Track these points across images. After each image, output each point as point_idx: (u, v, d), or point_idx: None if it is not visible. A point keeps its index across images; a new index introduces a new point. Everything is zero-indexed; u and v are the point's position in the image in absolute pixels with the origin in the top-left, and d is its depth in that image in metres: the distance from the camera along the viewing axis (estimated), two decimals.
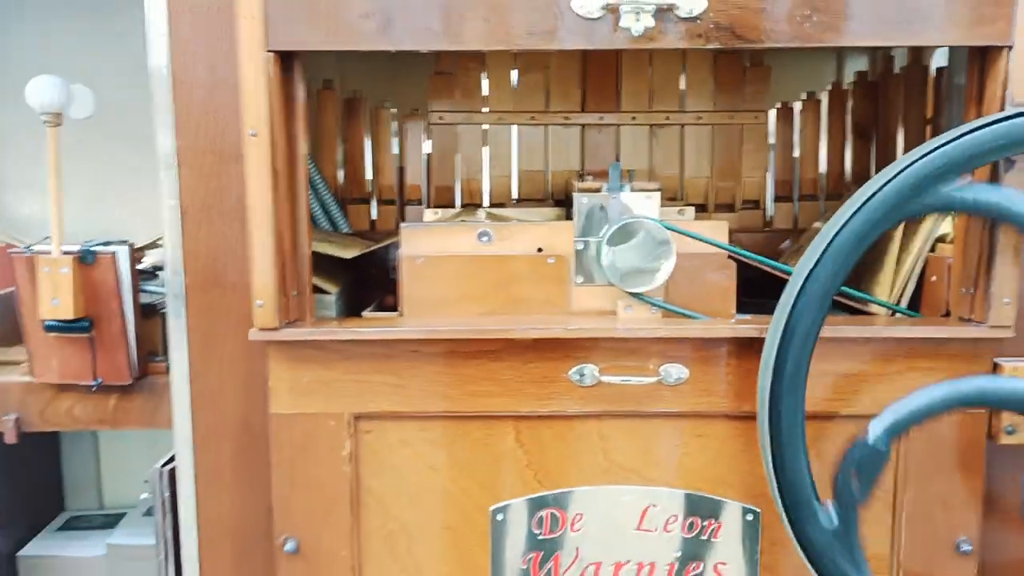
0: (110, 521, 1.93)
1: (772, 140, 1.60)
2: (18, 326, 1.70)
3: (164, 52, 1.15)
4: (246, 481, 1.24)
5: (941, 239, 1.27)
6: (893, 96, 1.58)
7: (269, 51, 1.08)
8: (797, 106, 1.60)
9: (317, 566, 1.21)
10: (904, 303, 1.27)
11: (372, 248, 1.47)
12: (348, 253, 1.41)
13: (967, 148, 1.05)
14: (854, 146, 1.61)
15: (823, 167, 1.60)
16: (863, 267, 1.32)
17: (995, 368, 1.15)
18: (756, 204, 1.62)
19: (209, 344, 1.22)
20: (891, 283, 1.28)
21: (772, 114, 1.60)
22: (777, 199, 1.62)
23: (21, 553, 1.79)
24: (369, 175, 1.66)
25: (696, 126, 1.59)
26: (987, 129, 1.04)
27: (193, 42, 1.16)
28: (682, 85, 1.59)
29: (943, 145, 1.04)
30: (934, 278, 1.26)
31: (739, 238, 1.53)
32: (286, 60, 1.12)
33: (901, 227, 1.29)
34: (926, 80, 1.57)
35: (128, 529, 1.87)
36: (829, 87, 1.60)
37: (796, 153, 1.60)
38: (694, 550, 1.23)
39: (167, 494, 1.35)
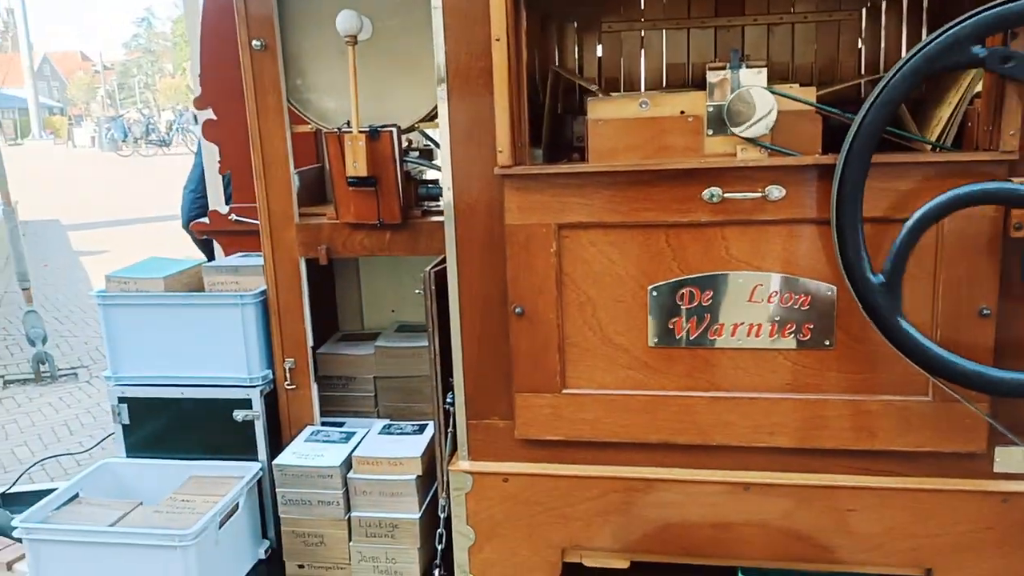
0: (372, 336, 2.69)
1: (863, 34, 2.07)
2: (320, 190, 2.46)
3: None
4: (489, 269, 1.91)
5: (977, 96, 1.74)
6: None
7: None
8: (883, 5, 2.07)
9: (534, 323, 1.88)
10: (949, 142, 1.76)
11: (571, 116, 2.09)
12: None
13: (984, 20, 1.53)
14: (928, 33, 2.06)
15: (903, 52, 2.06)
16: (920, 118, 1.82)
17: None
18: (851, 81, 2.11)
19: (467, 181, 1.88)
20: (938, 128, 1.78)
21: (863, 12, 2.08)
22: (866, 77, 2.10)
23: (320, 351, 2.58)
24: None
25: (803, 23, 2.10)
26: (1001, 7, 1.52)
27: None
28: None
29: (965, 19, 1.53)
30: (970, 124, 1.74)
31: (835, 103, 2.02)
32: None
33: (947, 88, 1.78)
34: None
35: (386, 339, 2.62)
36: None
37: (882, 43, 2.07)
38: (788, 315, 1.80)
39: (432, 286, 2.06)
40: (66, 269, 9.06)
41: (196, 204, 3.58)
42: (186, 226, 3.65)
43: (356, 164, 2.15)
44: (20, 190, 5.64)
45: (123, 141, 25.85)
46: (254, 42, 2.15)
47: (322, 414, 2.46)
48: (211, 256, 3.60)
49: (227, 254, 2.72)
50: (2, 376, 5.80)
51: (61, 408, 5.21)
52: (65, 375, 5.74)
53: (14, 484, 3.15)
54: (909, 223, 1.60)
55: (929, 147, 1.78)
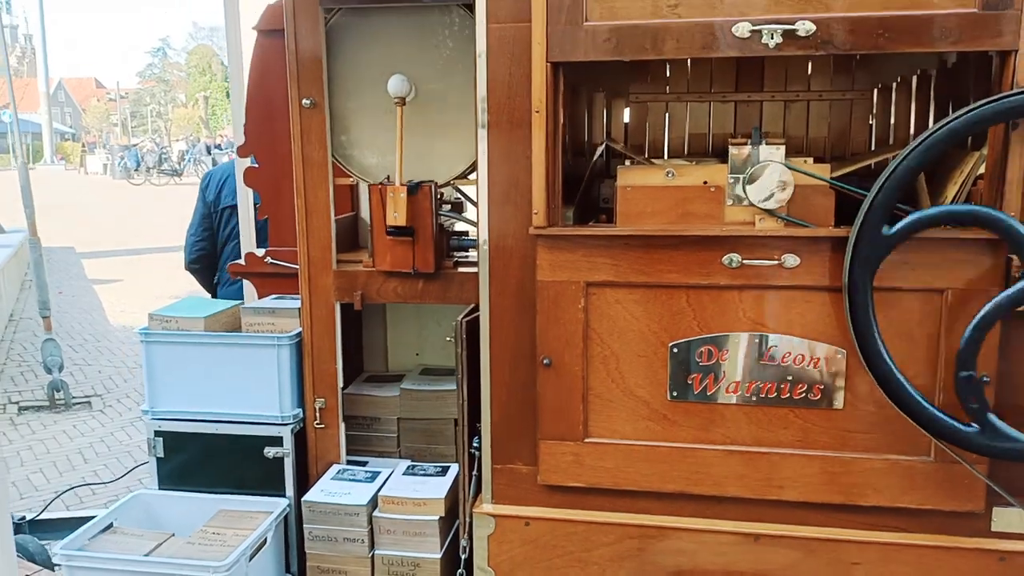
0: (396, 377, 2.80)
1: (874, 110, 2.22)
2: (352, 238, 2.59)
3: (483, 60, 1.94)
4: (519, 321, 2.03)
5: (980, 177, 1.87)
6: (955, 80, 2.16)
7: (548, 62, 1.85)
8: (893, 86, 2.22)
9: (561, 374, 1.99)
10: None
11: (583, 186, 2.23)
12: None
13: (986, 112, 1.67)
14: (935, 114, 2.20)
15: (912, 129, 2.21)
16: (931, 197, 1.95)
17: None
18: (862, 155, 2.25)
19: (502, 238, 2.02)
20: (952, 197, 1.91)
21: (875, 92, 2.23)
22: (876, 151, 2.24)
23: (347, 391, 2.69)
24: (585, 136, 2.42)
25: (818, 101, 2.24)
26: (1002, 101, 1.66)
27: (498, 55, 1.95)
28: (809, 71, 2.25)
29: (965, 113, 1.67)
30: (975, 202, 1.87)
31: (848, 179, 2.16)
32: (555, 67, 1.89)
33: (956, 168, 1.91)
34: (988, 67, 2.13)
35: (410, 381, 2.73)
36: (917, 73, 2.20)
37: (892, 119, 2.21)
38: (800, 376, 1.92)
39: (464, 335, 2.17)
40: (80, 297, 9.20)
41: (196, 247, 3.70)
42: (187, 267, 3.78)
43: (396, 215, 2.28)
44: (39, 217, 5.79)
45: (135, 170, 26.19)
46: (304, 100, 2.30)
47: (347, 452, 2.56)
48: (214, 294, 3.72)
49: (260, 296, 2.85)
50: (17, 402, 5.91)
51: (75, 436, 5.31)
52: (79, 403, 5.85)
53: (42, 512, 3.23)
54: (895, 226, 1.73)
55: None
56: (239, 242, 3.41)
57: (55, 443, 5.21)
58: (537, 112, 1.88)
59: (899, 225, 1.74)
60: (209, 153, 26.43)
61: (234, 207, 3.51)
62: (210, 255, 3.67)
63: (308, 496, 2.33)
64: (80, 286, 9.83)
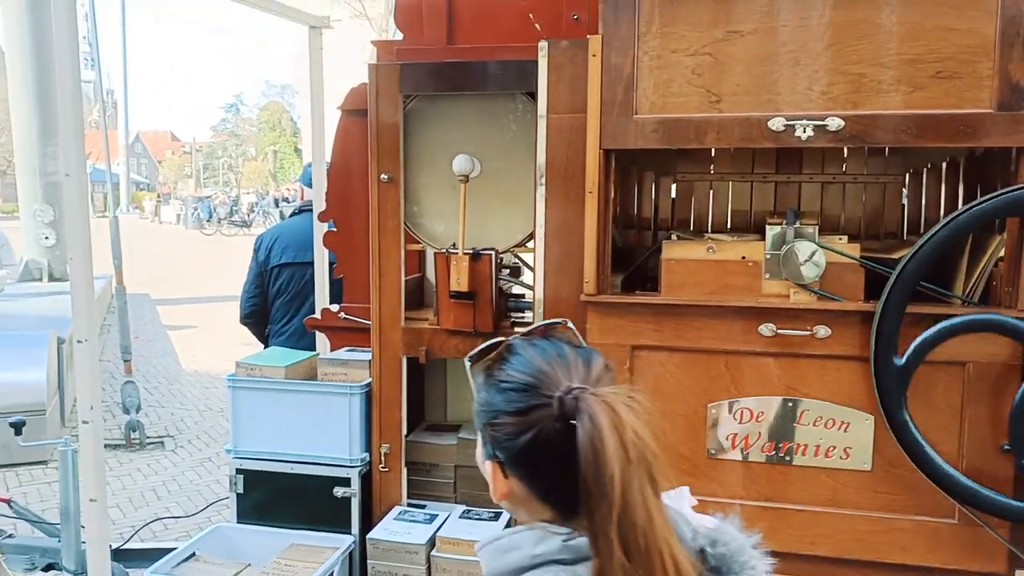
0: (455, 427, 3.00)
1: (906, 192, 2.39)
2: (418, 297, 2.83)
3: (543, 146, 2.18)
4: None
5: (1001, 259, 2.02)
6: (983, 166, 2.32)
7: (601, 148, 2.08)
8: (924, 171, 2.39)
9: None
10: (976, 298, 2.04)
11: (646, 256, 2.44)
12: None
13: (1006, 202, 1.84)
14: (964, 197, 2.36)
15: (942, 211, 2.36)
16: (951, 275, 2.10)
17: None
18: (895, 235, 2.42)
19: (556, 304, 2.23)
20: (966, 286, 2.06)
21: (907, 177, 2.40)
22: (909, 232, 2.40)
23: (409, 438, 2.90)
24: (634, 211, 2.64)
25: (853, 183, 2.42)
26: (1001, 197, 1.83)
27: (556, 141, 2.19)
28: (845, 155, 2.44)
29: (988, 199, 1.84)
30: (995, 283, 2.02)
31: (883, 258, 2.32)
32: (607, 153, 2.12)
33: (977, 249, 2.07)
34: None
35: (468, 431, 2.93)
36: (947, 160, 2.37)
37: (923, 200, 2.38)
38: (831, 439, 2.06)
39: None
40: (155, 342, 9.67)
41: (250, 303, 3.98)
42: (242, 321, 4.06)
43: (459, 280, 2.51)
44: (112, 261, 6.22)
45: (207, 220, 27.29)
46: (382, 175, 2.57)
47: (408, 495, 2.76)
48: (266, 344, 3.99)
49: (333, 347, 3.10)
50: None
51: (149, 474, 5.61)
52: (153, 443, 6.17)
53: (126, 542, 3.49)
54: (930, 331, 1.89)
55: (959, 301, 2.06)
56: (287, 298, 3.73)
57: (131, 479, 5.52)
58: (590, 192, 2.11)
59: (907, 355, 1.91)
60: (277, 206, 27.48)
61: (282, 266, 3.82)
62: (261, 310, 3.95)
63: (372, 534, 2.54)
64: (155, 331, 10.32)
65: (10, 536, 3.37)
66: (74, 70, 2.21)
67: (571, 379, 1.02)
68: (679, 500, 1.19)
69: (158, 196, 41.12)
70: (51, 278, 10.10)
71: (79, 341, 2.33)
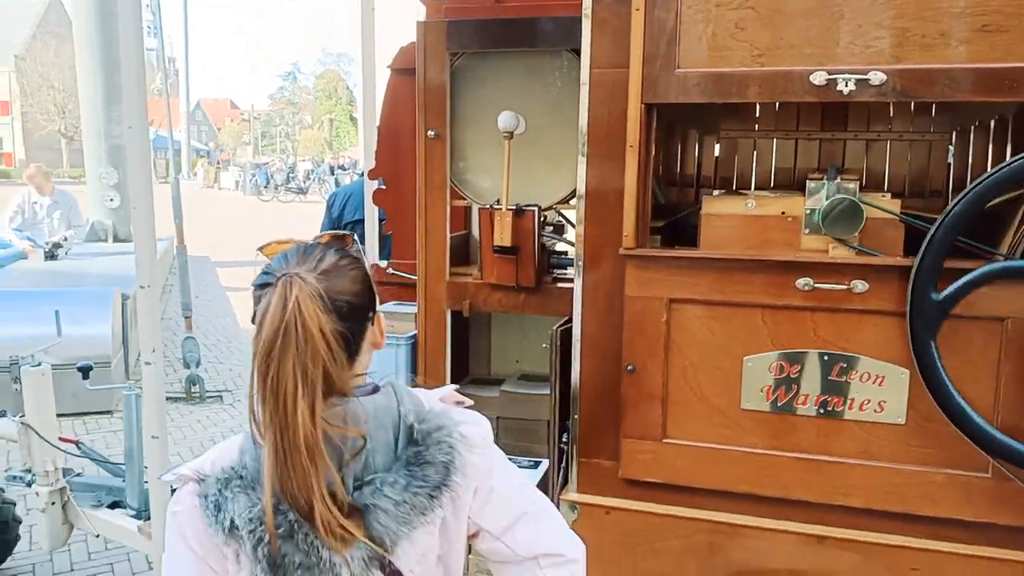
0: (498, 381, 3.09)
1: (952, 151, 2.37)
2: (463, 253, 2.90)
3: (585, 102, 2.22)
4: (608, 332, 2.27)
5: None
6: None
7: (643, 103, 2.11)
8: (972, 129, 2.36)
9: (643, 380, 2.22)
10: (1018, 254, 2.03)
11: (685, 212, 2.47)
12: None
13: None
14: (1012, 154, 2.32)
15: (989, 169, 2.33)
16: (1001, 236, 2.09)
17: None
18: (940, 192, 2.40)
19: (596, 258, 2.27)
20: (1013, 243, 2.04)
21: (953, 135, 2.37)
22: (955, 191, 2.38)
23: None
24: (677, 168, 2.66)
25: (898, 141, 2.41)
26: None
27: (598, 96, 2.22)
28: (891, 113, 2.42)
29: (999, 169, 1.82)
30: None
31: (926, 215, 2.31)
32: (648, 107, 2.14)
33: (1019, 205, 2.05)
34: None
35: (510, 385, 3.01)
36: (995, 117, 2.34)
37: (969, 160, 2.35)
38: (866, 392, 2.08)
39: (558, 343, 2.44)
40: (215, 302, 9.99)
41: None
42: None
43: (503, 235, 2.58)
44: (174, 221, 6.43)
45: (265, 187, 27.81)
46: (429, 132, 2.63)
47: None
48: None
49: (382, 302, 3.19)
50: None
51: (208, 426, 5.85)
52: (212, 397, 6.42)
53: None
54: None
55: (1001, 257, 2.04)
56: None
57: (191, 431, 5.76)
58: (631, 147, 2.14)
59: (946, 293, 1.91)
60: (332, 173, 27.85)
61: (355, 222, 3.93)
62: None
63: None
64: (215, 293, 10.65)
65: (78, 475, 3.58)
66: (137, 28, 2.32)
67: (298, 268, 1.23)
68: (437, 392, 1.42)
69: (218, 163, 41.94)
70: (115, 239, 10.47)
71: (142, 287, 2.46)
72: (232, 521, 1.20)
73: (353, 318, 1.26)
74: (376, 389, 1.32)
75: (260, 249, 1.36)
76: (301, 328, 1.17)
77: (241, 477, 1.23)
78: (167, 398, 6.36)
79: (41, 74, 44.45)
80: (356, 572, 1.21)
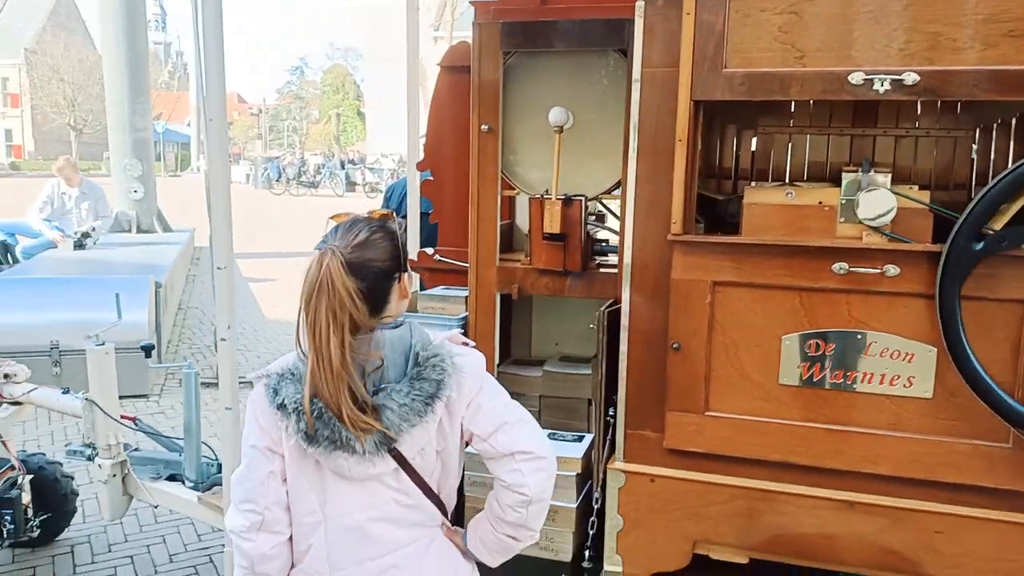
0: (539, 362, 3.26)
1: (975, 147, 2.53)
2: (508, 241, 3.07)
3: (636, 100, 2.39)
4: (654, 312, 2.45)
5: None
6: None
7: (692, 100, 2.29)
8: (994, 127, 2.53)
9: (687, 357, 2.40)
10: None
11: (727, 198, 2.64)
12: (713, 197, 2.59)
13: None
14: None
15: (1010, 163, 2.50)
16: None
17: None
18: (964, 186, 2.57)
19: (644, 243, 2.45)
20: None
21: (977, 132, 2.54)
22: (977, 183, 2.55)
23: (500, 369, 3.17)
24: (716, 162, 2.83)
25: (925, 137, 2.58)
26: None
27: (649, 93, 2.40)
28: (918, 111, 2.59)
29: None
30: None
31: (950, 207, 2.48)
32: (697, 104, 2.32)
33: None
34: None
35: (551, 365, 3.19)
36: (1016, 115, 2.50)
37: (992, 156, 2.52)
38: (895, 368, 2.25)
39: (605, 323, 2.61)
40: (237, 292, 10.17)
41: None
42: None
43: (552, 223, 2.75)
44: (190, 218, 6.61)
45: (276, 181, 28.00)
46: (483, 126, 2.81)
47: None
48: None
49: (428, 287, 3.38)
50: None
51: (240, 411, 6.04)
52: (243, 384, 6.59)
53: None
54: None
55: None
56: None
57: (223, 414, 5.94)
58: (680, 141, 2.32)
59: (986, 240, 2.07)
60: (343, 168, 28.02)
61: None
62: None
63: (468, 448, 2.81)
64: (236, 283, 10.83)
65: (136, 450, 3.77)
66: (218, 27, 2.50)
67: (338, 241, 1.66)
68: (446, 333, 1.83)
69: (230, 156, 41.96)
70: (139, 229, 10.67)
71: (218, 268, 2.64)
72: (283, 402, 1.66)
73: (376, 279, 1.67)
74: (399, 326, 1.73)
75: (331, 217, 1.79)
76: (330, 286, 1.60)
77: (292, 374, 1.69)
78: (201, 383, 6.55)
79: (51, 67, 44.74)
80: (368, 448, 1.65)
